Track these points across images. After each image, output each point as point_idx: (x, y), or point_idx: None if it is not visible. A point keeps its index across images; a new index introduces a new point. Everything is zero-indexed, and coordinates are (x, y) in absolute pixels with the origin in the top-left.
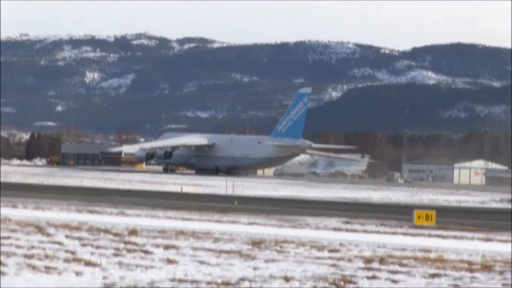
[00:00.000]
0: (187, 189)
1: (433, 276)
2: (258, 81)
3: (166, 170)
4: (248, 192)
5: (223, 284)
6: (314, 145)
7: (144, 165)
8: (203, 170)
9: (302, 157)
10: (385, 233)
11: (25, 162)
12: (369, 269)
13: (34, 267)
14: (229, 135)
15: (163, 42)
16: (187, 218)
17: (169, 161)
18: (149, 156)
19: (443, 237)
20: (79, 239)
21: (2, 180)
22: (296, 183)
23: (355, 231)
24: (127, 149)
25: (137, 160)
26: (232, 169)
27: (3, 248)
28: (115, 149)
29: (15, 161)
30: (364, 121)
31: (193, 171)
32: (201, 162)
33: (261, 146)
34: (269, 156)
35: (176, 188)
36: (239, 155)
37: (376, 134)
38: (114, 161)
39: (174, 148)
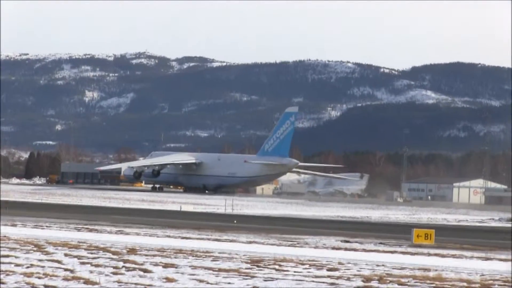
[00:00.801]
0: (186, 208)
1: None
2: (257, 100)
3: (154, 189)
4: (247, 211)
5: None
6: (300, 164)
7: (143, 184)
8: (190, 189)
9: (301, 176)
10: (384, 252)
11: (24, 181)
12: None
13: (33, 286)
14: (217, 154)
15: (163, 61)
16: (186, 237)
17: (157, 180)
18: (137, 175)
19: (442, 256)
20: (78, 257)
21: (2, 198)
22: (295, 202)
23: (354, 250)
24: (114, 167)
25: (125, 178)
26: (219, 188)
27: (3, 266)
28: (103, 168)
29: (14, 180)
30: (363, 140)
31: (181, 190)
32: (189, 181)
33: (247, 164)
34: (255, 174)
35: (175, 207)
36: (226, 173)
37: (375, 153)
38: (113, 180)
39: (162, 166)
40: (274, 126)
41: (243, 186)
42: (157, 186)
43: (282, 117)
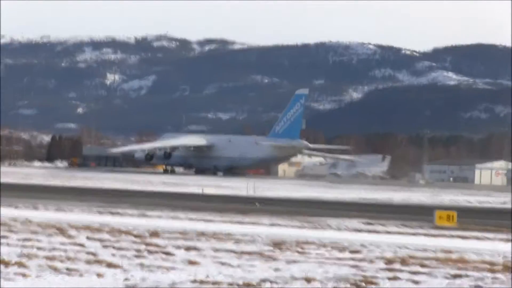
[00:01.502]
0: (208, 191)
1: (455, 276)
2: (278, 82)
3: (166, 171)
4: (269, 194)
5: (244, 285)
6: (310, 146)
7: (164, 167)
8: (201, 171)
9: (323, 159)
10: (406, 234)
11: (46, 164)
12: (390, 270)
13: (55, 269)
14: (227, 136)
15: (184, 44)
16: (208, 220)
17: (169, 162)
18: (149, 157)
19: (464, 237)
20: (101, 240)
21: (23, 181)
22: (317, 184)
23: (376, 232)
24: (126, 149)
25: (137, 160)
26: (230, 169)
27: (25, 250)
28: (115, 150)
29: (36, 163)
30: (385, 122)
31: (192, 172)
32: (200, 163)
33: (258, 146)
34: (266, 156)
35: (197, 190)
36: (237, 155)
37: (396, 135)
38: (135, 163)
39: (173, 148)
40: (285, 108)
41: (254, 167)
42: (169, 168)
43: (292, 99)
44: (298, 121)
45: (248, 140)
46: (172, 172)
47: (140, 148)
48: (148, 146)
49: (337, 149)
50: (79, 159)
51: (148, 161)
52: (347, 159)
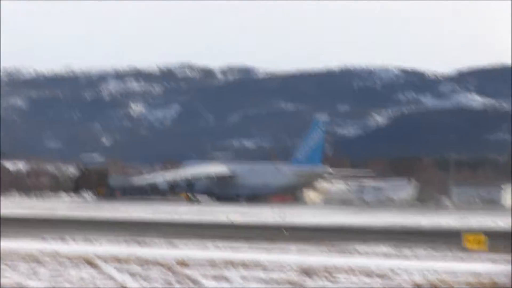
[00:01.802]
0: (234, 218)
1: None
2: (303, 108)
3: (189, 200)
4: (295, 220)
5: None
6: (332, 171)
7: (190, 195)
8: (225, 199)
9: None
10: (435, 258)
11: (72, 195)
12: None
13: None
14: (249, 164)
15: (207, 72)
16: (235, 247)
17: (191, 190)
18: (172, 187)
19: (494, 261)
20: (129, 271)
21: (54, 212)
22: (344, 210)
23: (405, 256)
24: (149, 178)
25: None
26: (253, 197)
27: (54, 283)
28: (138, 180)
29: (63, 194)
30: (410, 146)
31: (215, 199)
32: (223, 191)
33: (280, 173)
34: (288, 183)
35: (223, 218)
36: (259, 183)
37: (422, 159)
38: (160, 192)
39: (196, 179)
40: (305, 135)
41: (277, 194)
42: (192, 196)
43: (311, 125)
44: (319, 146)
45: (269, 167)
46: (196, 200)
47: (162, 177)
48: (170, 175)
49: (359, 173)
50: (105, 189)
51: (172, 191)
52: (372, 185)
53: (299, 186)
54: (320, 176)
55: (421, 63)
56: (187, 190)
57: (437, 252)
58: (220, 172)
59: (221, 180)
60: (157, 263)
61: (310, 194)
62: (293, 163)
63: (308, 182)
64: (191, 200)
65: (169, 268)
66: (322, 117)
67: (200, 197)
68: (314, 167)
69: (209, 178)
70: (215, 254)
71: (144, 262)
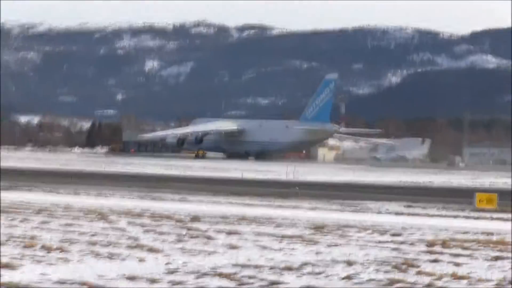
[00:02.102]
0: (247, 175)
1: (496, 258)
2: (317, 67)
3: (197, 156)
4: (308, 178)
5: (285, 269)
6: (340, 129)
7: (204, 152)
8: (233, 155)
9: (363, 142)
10: (447, 216)
11: (86, 150)
12: (431, 252)
13: (97, 254)
14: (258, 120)
15: (222, 30)
16: (248, 204)
17: (200, 147)
18: (181, 142)
19: (505, 220)
20: (142, 225)
21: (66, 167)
22: (357, 168)
23: (417, 215)
24: (158, 135)
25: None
26: (261, 154)
27: (68, 235)
28: (147, 136)
29: (77, 149)
30: (423, 106)
31: (224, 156)
32: (231, 147)
33: (289, 130)
34: (297, 140)
35: (236, 174)
36: (268, 139)
37: (436, 119)
38: (174, 148)
39: (205, 133)
40: (315, 93)
41: (285, 151)
42: (200, 153)
43: (322, 83)
44: (328, 105)
45: (278, 124)
46: (203, 157)
47: (172, 133)
48: (180, 131)
49: (369, 132)
50: (119, 145)
51: (180, 146)
52: (386, 143)
53: (308, 143)
54: (328, 134)
55: (436, 24)
56: (195, 146)
57: (449, 211)
58: (228, 128)
59: (229, 136)
60: (169, 218)
61: (323, 152)
62: (301, 121)
63: (316, 140)
64: (198, 156)
65: (181, 223)
66: (332, 75)
67: (209, 153)
68: (322, 125)
69: (218, 134)
70: (228, 210)
71: (157, 217)
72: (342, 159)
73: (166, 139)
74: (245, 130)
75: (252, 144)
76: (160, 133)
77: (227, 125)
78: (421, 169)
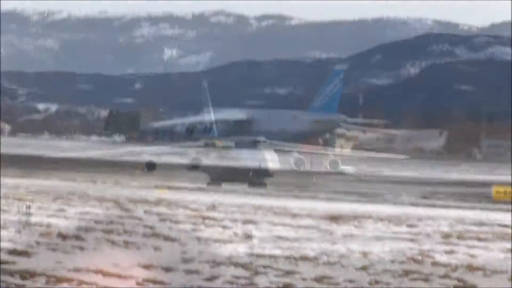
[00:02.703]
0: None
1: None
2: (336, 58)
3: (206, 145)
4: (324, 169)
5: (301, 259)
6: (349, 119)
7: (220, 141)
8: (242, 144)
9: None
10: (463, 208)
11: (103, 138)
12: (447, 243)
13: (113, 242)
14: (268, 110)
15: (241, 19)
16: (264, 193)
17: (209, 136)
18: (190, 131)
19: None
20: (158, 214)
21: (85, 155)
22: (375, 159)
23: (433, 206)
24: (168, 123)
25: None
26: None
27: (82, 223)
28: (157, 124)
29: (94, 137)
30: (442, 97)
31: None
32: (240, 137)
33: (297, 120)
34: (304, 130)
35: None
36: (275, 129)
37: (454, 111)
38: (188, 137)
39: (213, 123)
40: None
41: (293, 141)
42: (209, 142)
43: (330, 74)
44: (337, 96)
45: (287, 114)
46: (213, 146)
47: (181, 122)
48: (189, 120)
49: (377, 123)
50: (137, 133)
51: (189, 135)
52: (402, 134)
53: (315, 133)
54: (335, 124)
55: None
56: (204, 135)
57: (465, 203)
58: (237, 117)
59: (238, 125)
60: (186, 207)
61: (341, 143)
62: (309, 111)
63: (325, 130)
64: (207, 145)
65: (198, 211)
66: (341, 66)
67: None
68: (330, 115)
69: (227, 123)
70: (244, 200)
71: (173, 206)
72: (360, 150)
73: (175, 127)
74: (253, 119)
75: (260, 133)
76: (169, 122)
77: (235, 114)
78: (438, 161)
